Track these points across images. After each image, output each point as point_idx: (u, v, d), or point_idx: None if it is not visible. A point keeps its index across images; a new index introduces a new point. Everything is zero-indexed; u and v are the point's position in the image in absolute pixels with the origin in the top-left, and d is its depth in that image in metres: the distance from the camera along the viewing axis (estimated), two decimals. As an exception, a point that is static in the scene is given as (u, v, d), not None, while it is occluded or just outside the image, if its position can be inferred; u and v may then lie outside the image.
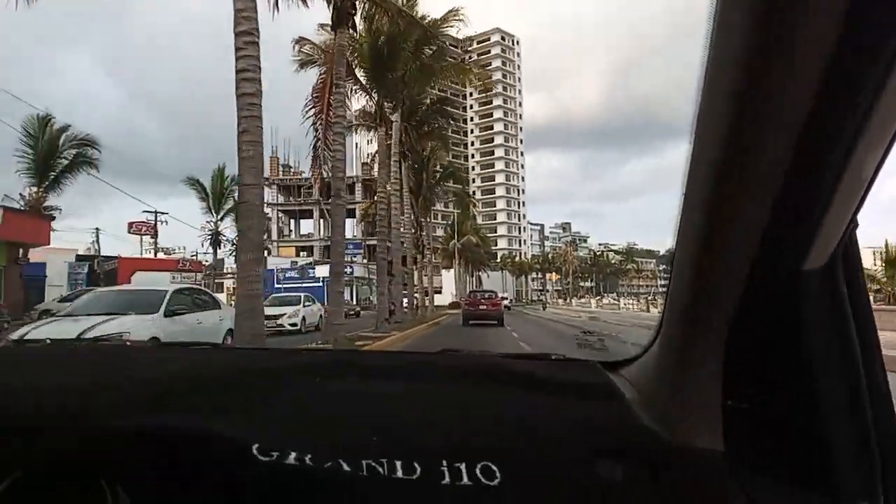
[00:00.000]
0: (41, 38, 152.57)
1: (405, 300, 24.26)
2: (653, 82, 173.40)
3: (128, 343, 5.70)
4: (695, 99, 0.54)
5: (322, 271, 49.55)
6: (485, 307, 21.48)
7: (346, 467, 0.73)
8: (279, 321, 16.12)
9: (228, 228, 36.71)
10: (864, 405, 0.63)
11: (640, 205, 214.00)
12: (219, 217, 35.37)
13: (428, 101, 22.97)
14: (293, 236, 67.42)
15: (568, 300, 78.19)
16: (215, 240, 35.79)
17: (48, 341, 4.31)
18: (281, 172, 66.05)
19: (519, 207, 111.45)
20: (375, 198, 17.72)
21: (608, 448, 0.73)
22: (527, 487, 0.71)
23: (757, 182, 0.53)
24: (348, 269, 45.68)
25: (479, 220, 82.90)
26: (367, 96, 17.42)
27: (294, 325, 16.65)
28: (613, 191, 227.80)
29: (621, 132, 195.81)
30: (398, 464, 0.71)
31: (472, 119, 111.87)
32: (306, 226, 66.73)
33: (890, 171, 0.58)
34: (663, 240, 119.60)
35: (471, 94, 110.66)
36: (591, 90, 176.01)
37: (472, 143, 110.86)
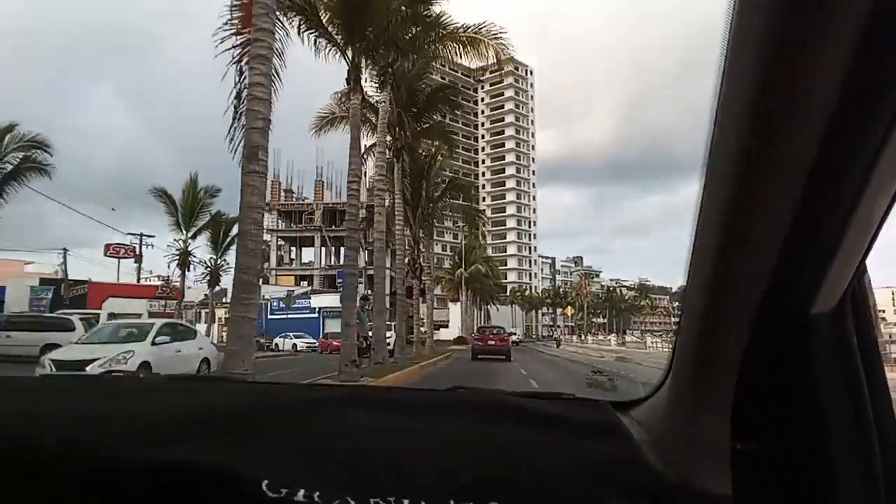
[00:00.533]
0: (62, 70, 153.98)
1: (389, 333, 18.97)
2: (665, 119, 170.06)
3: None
4: (705, 143, 0.55)
5: (319, 301, 44.07)
6: (493, 342, 23.79)
7: None
8: (88, 369, 8.70)
9: (200, 248, 32.47)
10: (874, 451, 0.62)
11: (652, 241, 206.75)
12: (189, 235, 30.54)
13: (432, 85, 18.51)
14: (295, 264, 63.90)
15: (583, 337, 71.99)
16: (183, 261, 30.87)
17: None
18: (283, 197, 62.82)
19: (530, 240, 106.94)
20: (349, 191, 12.78)
21: (616, 489, 0.72)
22: None
23: (767, 222, 0.53)
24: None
25: (489, 252, 78.15)
26: (342, 56, 12.75)
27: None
28: (625, 226, 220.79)
29: (633, 168, 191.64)
30: (405, 502, 0.71)
31: (483, 149, 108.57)
32: (307, 254, 63.48)
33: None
34: (676, 276, 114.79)
35: (482, 125, 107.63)
36: (602, 126, 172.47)
37: (483, 174, 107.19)
